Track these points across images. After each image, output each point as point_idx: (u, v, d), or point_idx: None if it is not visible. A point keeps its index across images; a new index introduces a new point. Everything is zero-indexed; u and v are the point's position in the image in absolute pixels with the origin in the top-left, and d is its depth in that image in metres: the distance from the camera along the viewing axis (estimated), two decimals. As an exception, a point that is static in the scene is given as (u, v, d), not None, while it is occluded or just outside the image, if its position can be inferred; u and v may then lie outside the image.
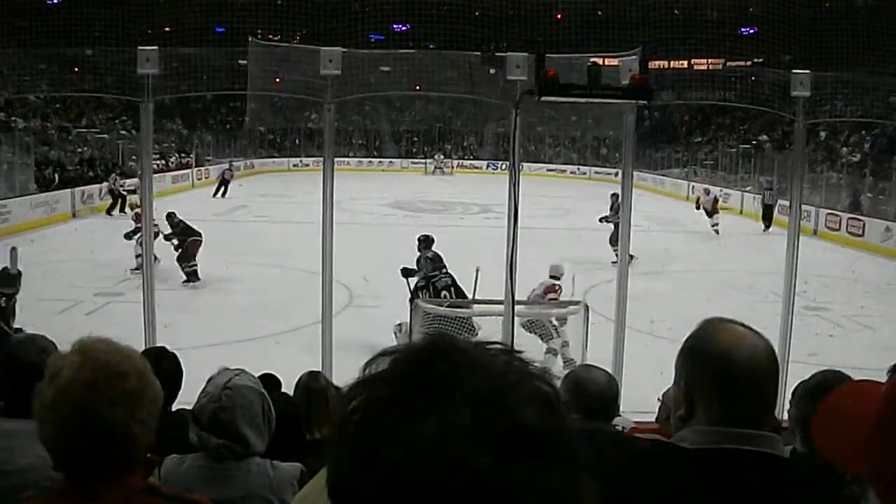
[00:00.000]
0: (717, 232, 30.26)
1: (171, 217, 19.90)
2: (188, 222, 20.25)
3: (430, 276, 13.22)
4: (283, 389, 6.31)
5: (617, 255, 17.89)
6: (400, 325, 12.36)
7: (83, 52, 17.51)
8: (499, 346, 1.05)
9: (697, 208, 31.78)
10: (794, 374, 5.04)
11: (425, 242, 14.45)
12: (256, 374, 3.81)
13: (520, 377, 1.00)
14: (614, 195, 19.14)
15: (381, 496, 0.93)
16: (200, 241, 20.21)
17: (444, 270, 13.37)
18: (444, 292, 12.75)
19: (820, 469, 2.02)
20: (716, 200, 31.99)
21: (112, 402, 2.07)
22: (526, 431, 0.94)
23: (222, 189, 42.07)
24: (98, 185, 35.02)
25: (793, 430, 3.42)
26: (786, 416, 4.16)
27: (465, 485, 0.90)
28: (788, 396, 4.00)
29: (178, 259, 19.29)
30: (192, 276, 19.09)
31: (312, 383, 5.44)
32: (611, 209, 22.00)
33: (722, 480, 2.01)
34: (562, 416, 0.99)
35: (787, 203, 25.41)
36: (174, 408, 4.49)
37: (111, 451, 2.08)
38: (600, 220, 23.10)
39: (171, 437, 2.93)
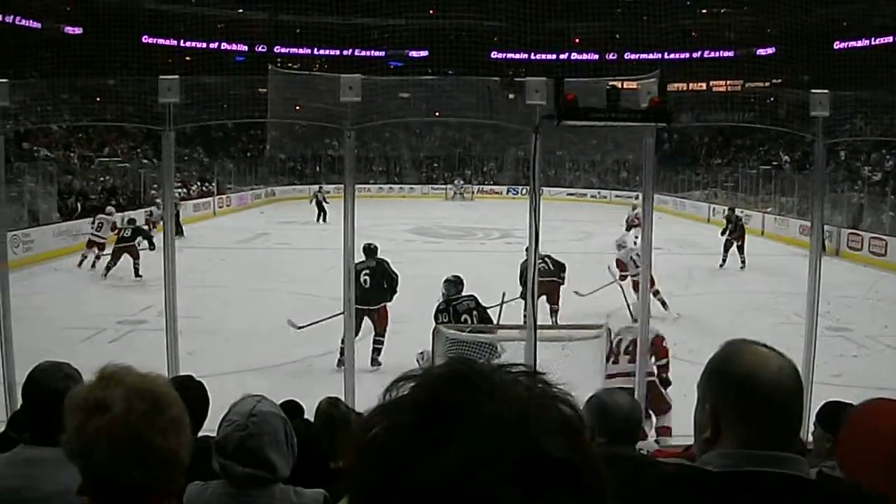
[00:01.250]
0: (742, 267, 28.03)
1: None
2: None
3: (450, 299, 13.15)
4: (306, 416, 6.31)
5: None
6: (422, 353, 12.35)
7: (105, 82, 17.64)
8: (521, 368, 1.04)
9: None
10: (818, 396, 5.03)
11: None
12: (279, 401, 3.82)
13: (543, 402, 0.99)
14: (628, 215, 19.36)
15: None
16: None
17: (465, 294, 13.30)
18: (464, 316, 12.62)
19: (846, 491, 2.01)
20: (739, 219, 29.69)
21: (164, 431, 2.09)
22: (549, 459, 0.93)
23: (321, 214, 43.66)
24: (121, 214, 35.19)
25: (817, 451, 3.41)
26: (810, 438, 4.14)
27: None
28: (812, 418, 3.99)
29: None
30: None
31: (333, 411, 5.43)
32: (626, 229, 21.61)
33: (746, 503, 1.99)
34: (586, 442, 0.98)
35: (808, 223, 25.32)
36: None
37: (161, 477, 2.10)
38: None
39: (193, 464, 2.94)
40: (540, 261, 12.84)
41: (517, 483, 0.90)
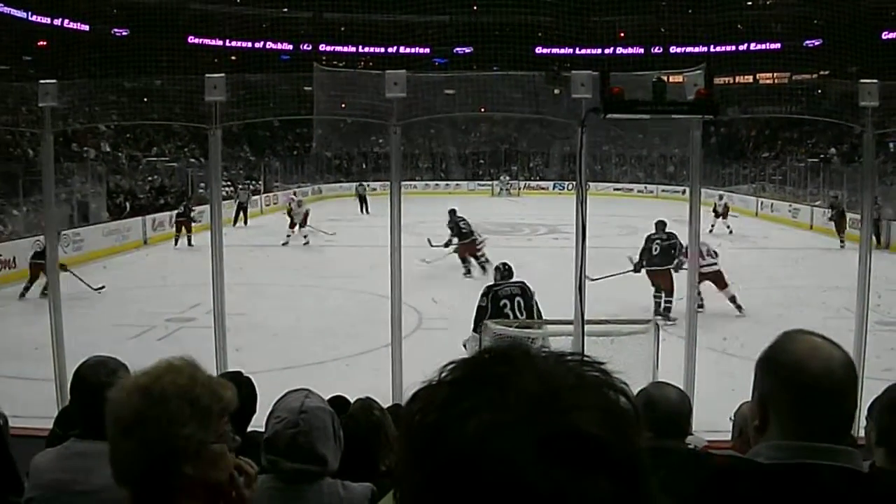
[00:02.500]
0: (730, 231, 35.54)
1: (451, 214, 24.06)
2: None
3: (492, 284, 13.00)
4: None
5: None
6: (468, 340, 12.26)
7: (152, 82, 17.82)
8: (577, 356, 1.04)
9: (716, 215, 36.39)
10: (868, 391, 4.94)
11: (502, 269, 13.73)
12: (326, 397, 3.83)
13: (582, 383, 0.99)
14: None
15: (430, 493, 0.94)
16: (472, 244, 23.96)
17: (514, 280, 13.07)
18: (504, 301, 12.42)
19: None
20: (727, 206, 37.65)
21: (183, 422, 2.08)
22: (580, 435, 0.93)
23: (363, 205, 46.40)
24: (169, 213, 35.58)
25: (870, 446, 3.36)
26: (861, 434, 4.09)
27: (506, 482, 0.90)
28: (864, 412, 3.94)
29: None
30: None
31: (361, 416, 5.40)
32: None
33: (799, 497, 1.97)
34: (625, 427, 0.97)
35: (854, 214, 24.99)
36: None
37: (181, 468, 2.08)
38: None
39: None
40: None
41: (538, 453, 0.91)
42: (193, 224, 31.81)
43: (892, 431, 2.27)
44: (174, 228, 32.34)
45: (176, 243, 31.45)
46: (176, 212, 33.25)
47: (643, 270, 18.21)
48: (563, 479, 0.90)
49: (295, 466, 3.23)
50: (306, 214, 33.82)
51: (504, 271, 13.33)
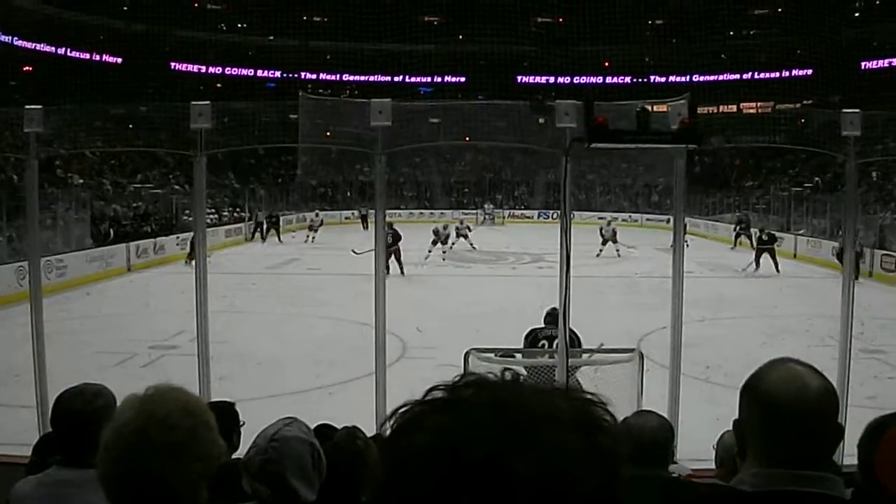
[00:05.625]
0: (619, 255, 36.79)
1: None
2: None
3: (536, 328, 12.92)
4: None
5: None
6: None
7: (137, 109, 17.87)
8: (570, 391, 1.04)
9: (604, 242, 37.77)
10: (853, 418, 4.96)
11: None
12: (312, 425, 3.82)
13: (543, 419, 0.96)
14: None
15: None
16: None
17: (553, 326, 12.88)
18: (542, 342, 12.36)
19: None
20: (615, 232, 38.32)
21: (156, 452, 2.07)
22: (500, 471, 0.91)
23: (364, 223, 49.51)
24: (153, 240, 35.54)
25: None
26: (845, 462, 4.10)
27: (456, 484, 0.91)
28: (847, 440, 3.94)
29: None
30: None
31: (347, 445, 5.38)
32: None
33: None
34: (572, 472, 0.94)
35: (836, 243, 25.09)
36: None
37: (151, 500, 2.08)
38: None
39: (226, 486, 2.94)
40: None
41: (448, 481, 0.92)
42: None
43: (870, 460, 2.28)
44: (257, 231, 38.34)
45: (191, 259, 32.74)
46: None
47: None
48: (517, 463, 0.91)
49: (273, 494, 3.22)
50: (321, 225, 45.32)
51: (550, 316, 13.26)
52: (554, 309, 13.29)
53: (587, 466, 0.94)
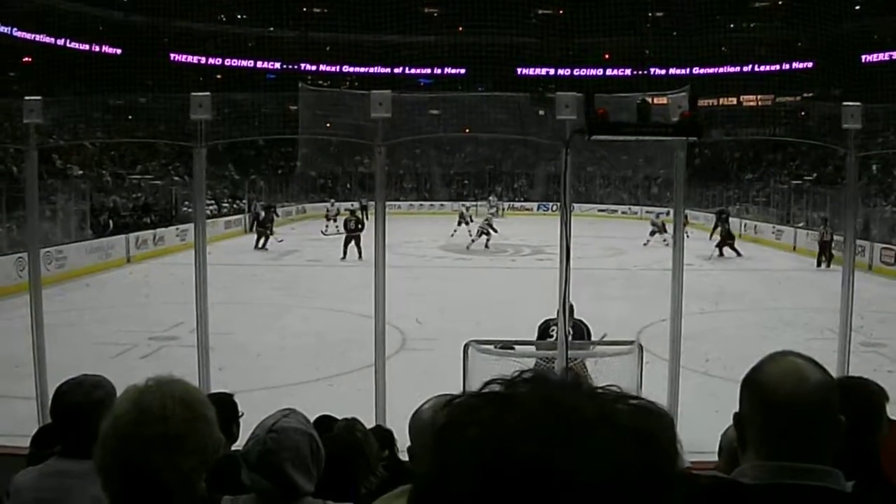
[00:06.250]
0: (666, 244, 37.04)
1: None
2: None
3: (550, 318, 12.87)
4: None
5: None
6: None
7: (137, 100, 17.85)
8: (624, 395, 1.01)
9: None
10: (852, 412, 4.97)
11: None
12: (312, 417, 3.81)
13: (594, 423, 0.95)
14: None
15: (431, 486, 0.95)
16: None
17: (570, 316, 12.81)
18: (552, 329, 12.28)
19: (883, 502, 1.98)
20: (664, 224, 38.49)
21: (149, 445, 2.07)
22: (548, 471, 0.90)
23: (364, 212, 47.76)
24: (152, 231, 35.54)
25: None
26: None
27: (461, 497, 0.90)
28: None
29: None
30: None
31: (347, 436, 5.39)
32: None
33: (781, 517, 1.97)
34: (620, 475, 0.92)
35: (841, 238, 25.12)
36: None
37: (145, 491, 2.08)
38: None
39: (225, 478, 2.94)
40: None
41: (488, 481, 0.91)
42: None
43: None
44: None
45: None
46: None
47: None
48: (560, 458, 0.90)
49: (271, 486, 3.21)
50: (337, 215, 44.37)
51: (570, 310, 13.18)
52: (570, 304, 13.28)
53: (639, 477, 0.93)
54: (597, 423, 0.94)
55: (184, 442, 2.12)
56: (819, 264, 31.80)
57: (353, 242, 32.83)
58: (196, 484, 2.16)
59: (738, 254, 34.99)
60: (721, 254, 34.93)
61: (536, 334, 11.78)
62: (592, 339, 11.86)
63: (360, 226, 33.38)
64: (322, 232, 33.58)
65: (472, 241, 38.45)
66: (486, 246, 38.05)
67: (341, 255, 32.60)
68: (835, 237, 30.87)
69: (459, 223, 42.76)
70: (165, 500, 2.10)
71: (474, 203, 64.95)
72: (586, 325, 11.91)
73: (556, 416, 0.94)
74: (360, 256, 30.82)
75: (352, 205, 50.32)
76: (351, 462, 5.11)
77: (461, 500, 0.91)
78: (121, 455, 2.07)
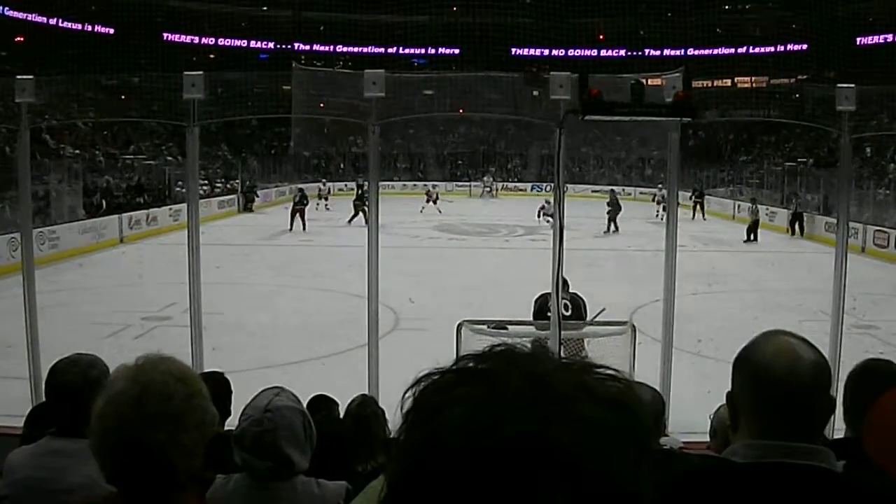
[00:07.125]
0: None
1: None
2: None
3: (546, 293, 12.86)
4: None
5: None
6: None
7: (130, 80, 17.79)
8: (599, 368, 1.01)
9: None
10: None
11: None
12: (305, 396, 3.82)
13: (577, 393, 0.94)
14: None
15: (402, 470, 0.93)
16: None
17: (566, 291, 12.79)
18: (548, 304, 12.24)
19: (874, 483, 1.99)
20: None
21: (152, 422, 2.08)
22: (540, 443, 0.89)
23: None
24: (145, 211, 35.50)
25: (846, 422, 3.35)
26: (835, 436, 4.11)
27: (453, 475, 0.88)
28: (840, 413, 3.95)
29: None
30: None
31: (362, 410, 5.42)
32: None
33: (772, 496, 1.97)
34: (609, 446, 0.92)
35: (829, 218, 25.19)
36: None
37: (147, 469, 2.08)
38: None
39: (216, 458, 2.95)
40: None
41: (487, 455, 0.89)
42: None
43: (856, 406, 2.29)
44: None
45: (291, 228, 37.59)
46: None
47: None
48: (505, 487, 0.88)
49: (266, 464, 3.22)
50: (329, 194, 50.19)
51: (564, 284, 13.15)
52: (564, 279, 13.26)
53: (623, 442, 0.93)
54: (577, 394, 0.94)
55: (184, 418, 2.13)
56: (748, 240, 34.42)
57: (298, 215, 37.30)
58: (195, 459, 2.17)
59: (756, 239, 34.80)
60: (755, 238, 34.70)
61: (533, 308, 11.79)
62: (588, 314, 11.88)
63: (304, 201, 37.99)
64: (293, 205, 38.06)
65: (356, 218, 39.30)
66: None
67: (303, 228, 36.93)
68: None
69: (427, 201, 46.71)
70: (169, 476, 2.10)
71: (468, 183, 65.08)
72: (582, 299, 11.94)
73: (538, 389, 0.94)
74: (304, 228, 36.68)
75: (345, 185, 50.77)
76: (353, 440, 5.14)
77: (453, 482, 0.89)
78: (121, 433, 2.07)
